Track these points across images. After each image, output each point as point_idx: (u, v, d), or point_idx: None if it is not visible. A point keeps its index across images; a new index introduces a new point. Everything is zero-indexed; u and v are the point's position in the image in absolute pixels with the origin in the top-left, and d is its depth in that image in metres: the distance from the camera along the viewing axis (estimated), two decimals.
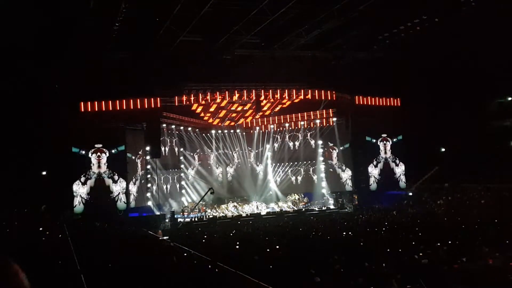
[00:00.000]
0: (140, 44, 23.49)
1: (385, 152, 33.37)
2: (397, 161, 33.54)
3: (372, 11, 21.50)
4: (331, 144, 34.03)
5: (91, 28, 20.94)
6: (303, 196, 32.55)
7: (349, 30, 24.20)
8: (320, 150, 34.39)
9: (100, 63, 23.80)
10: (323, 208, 31.20)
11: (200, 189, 32.45)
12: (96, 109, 25.69)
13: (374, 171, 32.93)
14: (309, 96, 30.04)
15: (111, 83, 24.73)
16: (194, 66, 26.09)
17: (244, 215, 29.14)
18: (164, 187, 30.59)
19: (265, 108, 31.90)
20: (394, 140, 33.53)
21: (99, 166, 26.33)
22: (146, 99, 26.81)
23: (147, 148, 28.22)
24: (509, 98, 31.77)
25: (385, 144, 33.43)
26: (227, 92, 28.49)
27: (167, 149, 30.86)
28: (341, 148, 33.59)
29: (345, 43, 26.04)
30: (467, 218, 19.42)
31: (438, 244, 12.81)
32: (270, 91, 29.36)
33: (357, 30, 24.27)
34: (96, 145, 26.31)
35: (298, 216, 28.53)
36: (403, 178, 32.82)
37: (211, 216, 28.93)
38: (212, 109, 30.82)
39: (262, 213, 29.58)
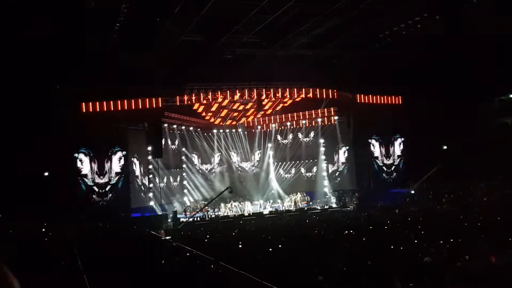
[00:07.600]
0: (141, 44, 23.48)
1: (387, 150, 33.34)
2: (399, 159, 33.50)
3: (373, 9, 21.44)
4: (333, 143, 34.03)
5: (92, 29, 20.93)
6: (305, 195, 32.52)
7: (350, 29, 24.14)
8: (322, 149, 34.38)
9: (101, 63, 23.79)
10: (325, 207, 31.17)
11: (202, 188, 32.49)
12: (98, 110, 25.67)
13: (376, 169, 32.91)
14: (311, 94, 30.03)
15: (112, 83, 24.73)
16: (195, 66, 26.03)
17: (246, 214, 29.14)
18: (166, 187, 30.58)
19: (266, 107, 31.89)
20: (396, 138, 33.51)
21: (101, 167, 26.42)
22: (147, 99, 26.81)
23: (149, 148, 28.23)
24: (511, 96, 31.66)
25: (387, 142, 33.40)
26: (228, 91, 28.48)
27: (169, 149, 30.85)
28: (342, 146, 33.58)
29: (346, 42, 25.98)
30: (469, 216, 19.39)
31: (441, 242, 12.80)
32: (272, 90, 29.35)
33: (358, 29, 24.22)
34: (97, 146, 26.36)
35: (300, 215, 28.52)
36: (405, 176, 32.74)
37: (213, 216, 28.94)
38: (213, 109, 30.84)
39: (264, 212, 29.58)
